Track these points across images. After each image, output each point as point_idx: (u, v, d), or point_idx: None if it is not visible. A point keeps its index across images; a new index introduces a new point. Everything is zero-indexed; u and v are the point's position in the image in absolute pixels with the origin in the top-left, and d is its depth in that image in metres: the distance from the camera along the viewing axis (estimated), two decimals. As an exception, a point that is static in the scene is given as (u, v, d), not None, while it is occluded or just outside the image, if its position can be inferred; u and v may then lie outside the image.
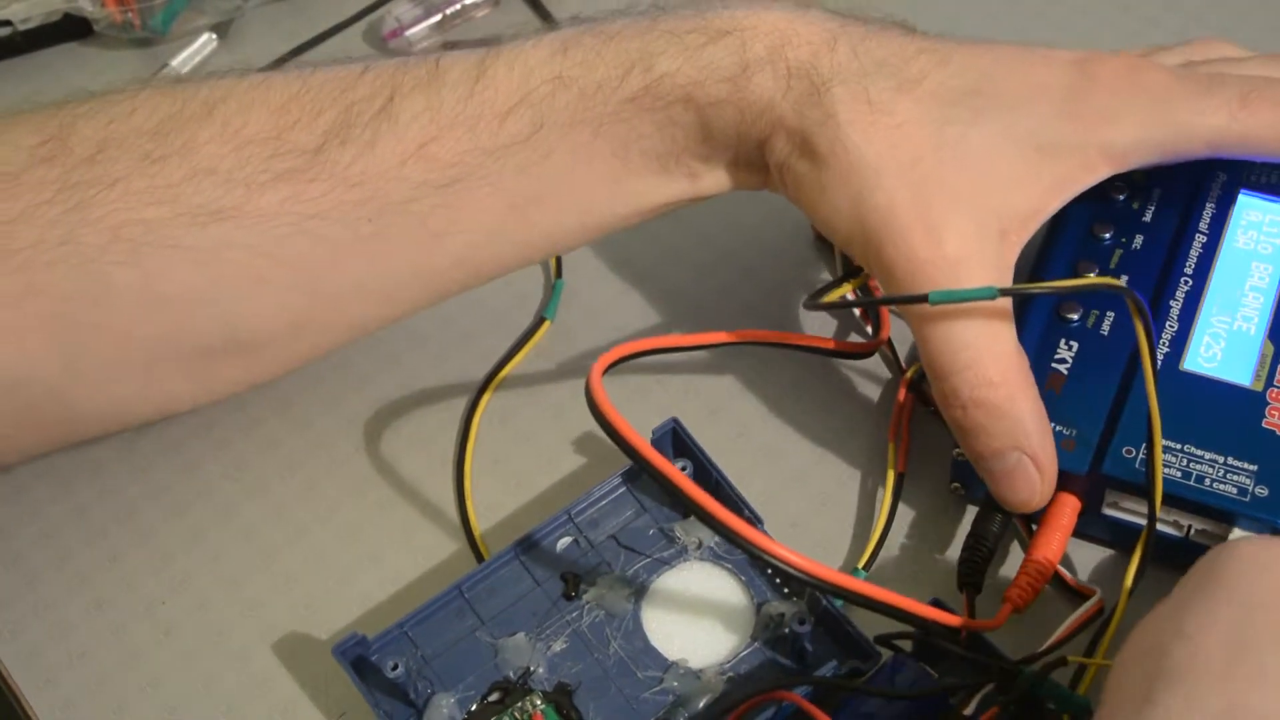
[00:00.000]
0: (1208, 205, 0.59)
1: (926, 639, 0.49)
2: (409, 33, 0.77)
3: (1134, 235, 0.59)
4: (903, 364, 0.61)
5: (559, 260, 0.66)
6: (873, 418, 0.60)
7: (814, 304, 0.58)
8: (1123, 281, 0.55)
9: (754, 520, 0.53)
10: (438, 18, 0.77)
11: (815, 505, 0.58)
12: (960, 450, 0.53)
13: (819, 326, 0.63)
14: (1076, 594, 0.53)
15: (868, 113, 0.52)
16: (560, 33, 0.54)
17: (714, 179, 0.55)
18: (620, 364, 0.52)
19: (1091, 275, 0.57)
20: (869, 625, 0.51)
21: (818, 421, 0.60)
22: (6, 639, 0.58)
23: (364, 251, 0.53)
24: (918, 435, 0.59)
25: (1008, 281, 0.52)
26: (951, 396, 0.51)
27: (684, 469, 0.54)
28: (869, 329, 0.62)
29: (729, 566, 0.54)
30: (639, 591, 0.53)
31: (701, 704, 0.51)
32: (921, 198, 0.51)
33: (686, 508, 0.47)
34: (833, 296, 0.58)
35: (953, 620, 0.48)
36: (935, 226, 0.51)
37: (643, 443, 0.47)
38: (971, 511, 0.56)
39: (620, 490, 0.56)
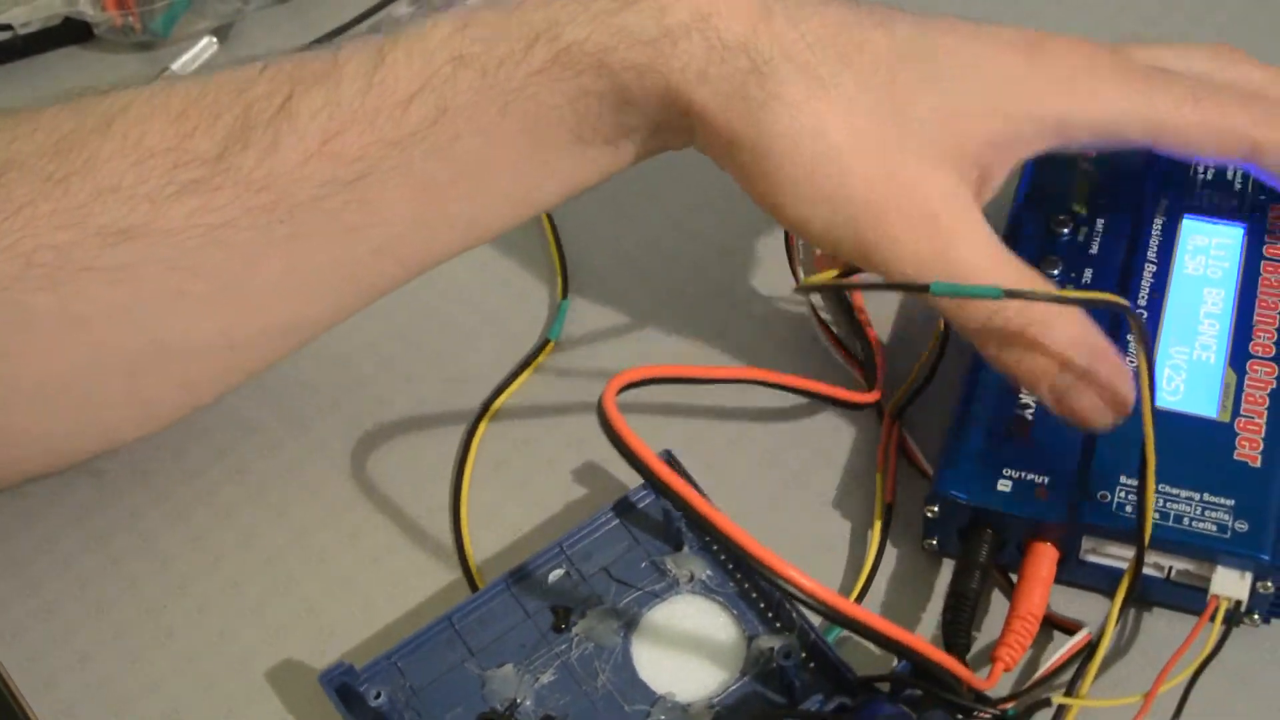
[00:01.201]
0: (1153, 233, 0.51)
1: (915, 682, 0.41)
2: (406, 35, 0.67)
3: (1083, 269, 0.50)
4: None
5: (565, 280, 0.57)
6: (862, 447, 0.51)
7: (805, 287, 0.50)
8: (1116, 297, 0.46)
9: None
10: (435, 21, 0.67)
11: (801, 534, 0.49)
12: (932, 508, 0.45)
13: (819, 356, 0.54)
14: (1061, 629, 0.45)
15: (819, 90, 0.42)
16: (460, 10, 0.44)
17: (636, 147, 0.46)
18: (632, 388, 0.43)
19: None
20: (859, 663, 0.43)
21: (804, 448, 0.52)
22: (8, 642, 0.49)
23: (281, 253, 0.44)
24: (903, 473, 0.50)
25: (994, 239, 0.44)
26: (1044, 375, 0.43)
27: None
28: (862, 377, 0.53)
29: (720, 600, 0.45)
30: (629, 624, 0.45)
31: None
32: (894, 166, 0.43)
33: (699, 526, 0.39)
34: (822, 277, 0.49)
35: (961, 670, 0.40)
36: (920, 194, 0.43)
37: (657, 461, 0.39)
38: (948, 567, 0.47)
39: (613, 523, 0.47)
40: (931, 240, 0.42)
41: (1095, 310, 0.44)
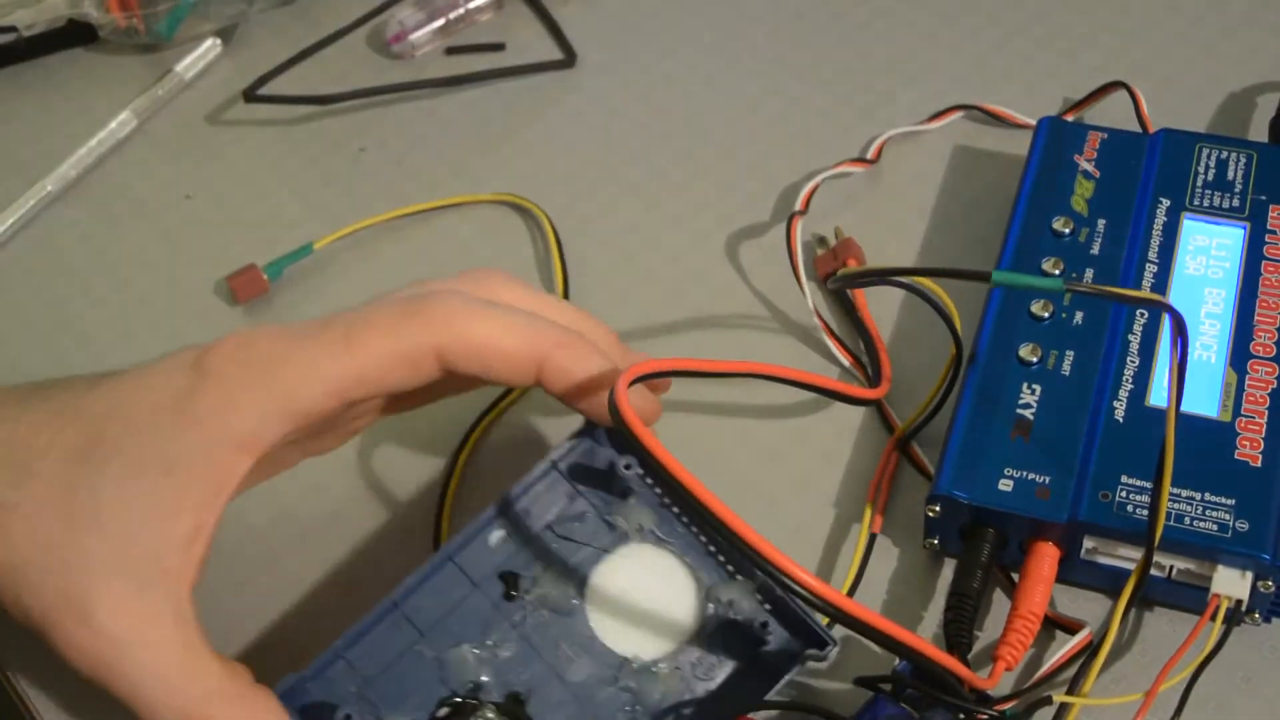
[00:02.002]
0: (1154, 233, 0.51)
1: (915, 683, 0.40)
2: (412, 37, 0.67)
3: (1084, 270, 0.50)
4: (899, 428, 0.51)
5: (565, 285, 0.56)
6: (865, 446, 0.51)
7: (843, 278, 0.48)
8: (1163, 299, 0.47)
9: None
10: (441, 21, 0.67)
11: (802, 532, 0.49)
12: (934, 508, 0.45)
13: (821, 355, 0.54)
14: (1062, 628, 0.45)
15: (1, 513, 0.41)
16: None
17: None
18: (643, 380, 0.42)
19: (1139, 290, 0.49)
20: (859, 662, 0.43)
21: (806, 446, 0.51)
22: (10, 639, 0.48)
23: None
24: (901, 486, 0.50)
25: (192, 626, 0.41)
26: None
27: (628, 467, 0.44)
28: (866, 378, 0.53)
29: (673, 548, 0.43)
30: (581, 584, 0.43)
31: (658, 697, 0.41)
32: (69, 584, 0.41)
33: (708, 525, 0.38)
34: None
35: (961, 669, 0.40)
36: (86, 612, 0.40)
37: (667, 455, 0.38)
38: (949, 566, 0.47)
39: (551, 476, 0.44)
40: (100, 650, 0.41)
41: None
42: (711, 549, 0.43)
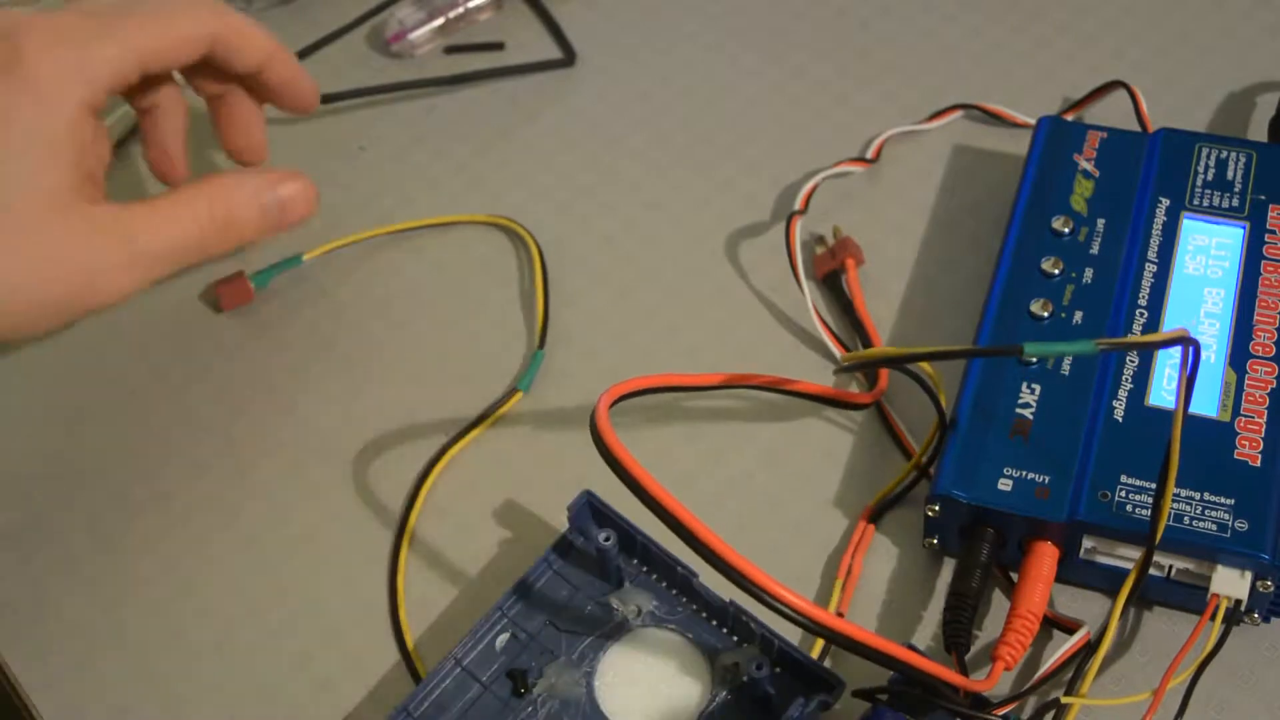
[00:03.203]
0: (1154, 232, 0.51)
1: (907, 690, 0.40)
2: (412, 35, 0.66)
3: (1083, 269, 0.50)
4: (899, 427, 0.51)
5: (544, 331, 0.55)
6: (864, 445, 0.51)
7: (847, 367, 0.48)
8: (1184, 332, 0.45)
9: (690, 574, 0.44)
10: (440, 20, 0.67)
11: (803, 533, 0.49)
12: (933, 507, 0.45)
13: (822, 354, 0.54)
14: (1061, 628, 0.45)
15: None
16: None
17: None
18: (625, 400, 0.42)
19: (1167, 331, 0.47)
20: (857, 671, 0.42)
21: (805, 446, 0.51)
22: (12, 641, 0.49)
23: None
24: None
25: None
26: None
27: (607, 539, 0.44)
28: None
29: (673, 627, 0.44)
30: (589, 673, 0.43)
31: None
32: None
33: (692, 548, 0.38)
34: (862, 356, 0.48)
35: (951, 675, 0.40)
36: None
37: (651, 480, 0.38)
38: (948, 565, 0.47)
39: (548, 574, 0.45)
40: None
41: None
42: (713, 621, 0.44)
